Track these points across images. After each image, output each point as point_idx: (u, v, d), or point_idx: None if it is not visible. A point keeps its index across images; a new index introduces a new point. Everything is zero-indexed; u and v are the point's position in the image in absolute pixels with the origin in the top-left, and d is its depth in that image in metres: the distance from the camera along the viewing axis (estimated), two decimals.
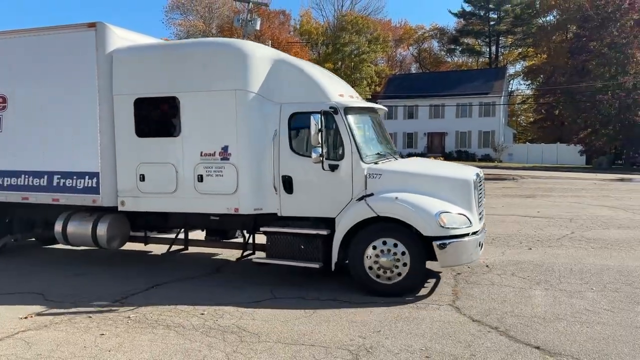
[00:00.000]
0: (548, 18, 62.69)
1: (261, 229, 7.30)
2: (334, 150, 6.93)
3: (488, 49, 71.49)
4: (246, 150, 7.13)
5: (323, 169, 6.80)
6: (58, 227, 8.23)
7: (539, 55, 63.32)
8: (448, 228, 6.42)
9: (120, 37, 7.86)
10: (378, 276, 6.64)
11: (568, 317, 5.81)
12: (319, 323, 5.71)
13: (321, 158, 6.69)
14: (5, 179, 8.44)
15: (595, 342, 5.09)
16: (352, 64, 60.03)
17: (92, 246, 8.25)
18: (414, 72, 75.02)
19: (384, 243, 6.59)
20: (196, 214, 7.57)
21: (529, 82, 68.38)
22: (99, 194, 7.80)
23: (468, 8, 67.95)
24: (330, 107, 6.90)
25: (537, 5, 61.59)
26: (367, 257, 6.64)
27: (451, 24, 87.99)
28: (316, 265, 6.91)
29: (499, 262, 8.44)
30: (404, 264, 6.53)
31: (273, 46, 9.74)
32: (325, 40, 61.63)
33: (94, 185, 7.82)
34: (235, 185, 7.11)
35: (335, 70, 42.16)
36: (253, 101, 7.11)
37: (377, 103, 10.71)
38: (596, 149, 42.99)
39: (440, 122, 54.58)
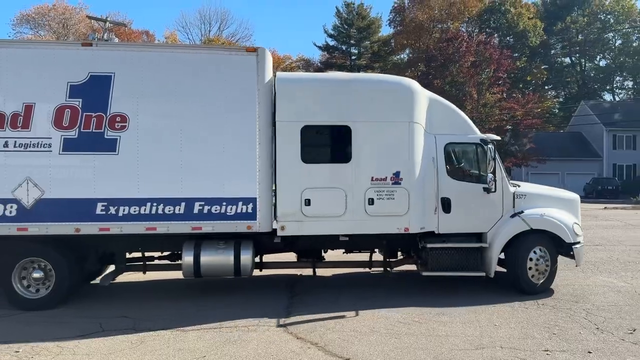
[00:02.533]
0: (402, 56, 68.27)
1: (428, 245, 8.03)
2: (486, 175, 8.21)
3: None
4: (415, 176, 7.89)
5: (493, 192, 8.09)
6: (188, 258, 7.58)
7: None
8: (578, 235, 8.28)
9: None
10: (533, 277, 8.12)
11: (382, 329, 6.41)
12: (144, 353, 5.66)
13: (494, 183, 8.04)
14: (122, 207, 7.24)
15: (399, 351, 5.70)
16: None
17: (229, 275, 7.85)
18: None
19: (539, 251, 8.15)
20: (326, 235, 7.91)
21: None
22: (255, 219, 7.48)
23: (332, 42, 71.51)
24: (482, 140, 8.25)
25: (392, 44, 66.72)
26: (529, 262, 8.11)
27: (316, 56, 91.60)
28: (482, 274, 8.13)
29: (334, 279, 9.00)
30: (548, 267, 8.16)
31: None
32: None
33: (250, 211, 7.47)
34: (406, 207, 7.80)
35: None
36: (419, 132, 7.98)
37: None
38: None
39: None
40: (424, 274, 8.14)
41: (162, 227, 7.37)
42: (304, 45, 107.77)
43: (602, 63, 64.30)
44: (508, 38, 57.07)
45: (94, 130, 7.20)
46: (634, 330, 6.29)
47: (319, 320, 6.76)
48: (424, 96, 8.21)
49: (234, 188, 7.46)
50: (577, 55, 64.05)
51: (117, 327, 6.54)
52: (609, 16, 60.30)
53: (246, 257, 7.68)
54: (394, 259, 8.71)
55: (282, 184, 7.64)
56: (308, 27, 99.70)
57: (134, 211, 7.28)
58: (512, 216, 8.19)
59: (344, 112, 7.77)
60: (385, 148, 7.84)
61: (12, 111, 7.09)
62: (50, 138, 7.14)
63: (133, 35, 55.39)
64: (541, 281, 8.15)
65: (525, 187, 8.88)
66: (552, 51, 63.44)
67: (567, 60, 65.70)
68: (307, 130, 7.66)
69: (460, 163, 8.55)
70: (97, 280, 8.09)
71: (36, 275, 7.39)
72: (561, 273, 9.64)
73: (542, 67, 60.61)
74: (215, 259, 7.64)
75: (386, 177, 7.79)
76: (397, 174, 7.81)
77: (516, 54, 54.24)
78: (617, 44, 61.45)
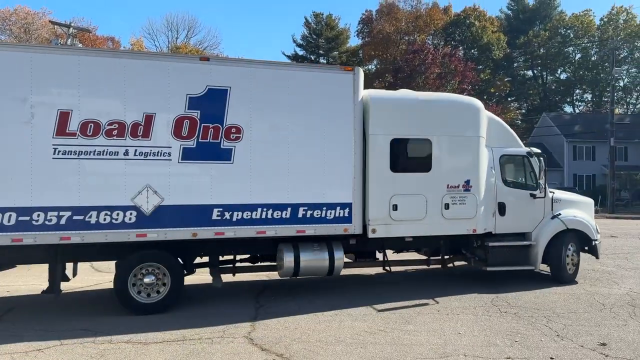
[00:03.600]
0: (370, 67, 69.07)
1: (490, 244, 9.29)
2: (533, 183, 9.73)
3: None
4: (481, 183, 9.18)
5: (540, 197, 9.61)
6: (289, 259, 8.16)
7: None
8: (598, 233, 10.10)
9: None
10: (570, 270, 9.73)
11: (347, 339, 6.40)
12: None
13: (543, 190, 9.61)
14: (235, 213, 7.73)
15: None
16: None
17: (322, 275, 8.54)
18: None
19: (572, 247, 9.75)
20: (394, 237, 8.84)
21: None
22: (351, 223, 8.31)
23: (300, 52, 71.82)
24: (527, 152, 9.83)
25: (361, 55, 67.43)
26: (566, 256, 9.70)
27: None
28: (533, 268, 9.65)
29: (299, 287, 8.98)
30: (577, 260, 9.82)
31: None
32: None
33: (346, 215, 8.27)
34: (475, 211, 9.06)
35: None
36: (483, 145, 9.27)
37: None
38: None
39: None
40: (489, 269, 9.33)
41: (271, 231, 7.96)
42: (272, 54, 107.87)
43: (563, 76, 66.44)
44: (472, 51, 58.40)
45: (211, 141, 7.62)
46: (605, 344, 6.43)
47: (284, 331, 6.72)
48: (485, 114, 9.44)
49: (332, 194, 8.25)
50: (539, 68, 66.00)
51: (77, 341, 6.33)
52: (569, 31, 62.37)
53: (339, 258, 8.44)
54: (447, 257, 9.81)
55: (374, 191, 8.49)
56: (277, 36, 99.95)
57: (247, 216, 7.79)
58: (552, 218, 9.73)
59: (426, 127, 8.82)
60: (458, 159, 9.06)
61: (132, 121, 7.29)
62: (170, 147, 7.44)
63: (98, 41, 54.38)
64: (572, 272, 9.78)
65: (557, 193, 10.23)
66: (515, 64, 65.20)
67: (529, 73, 67.61)
68: (395, 142, 8.61)
69: (512, 172, 9.95)
70: (211, 281, 8.40)
71: (147, 280, 7.56)
72: (522, 281, 9.86)
73: (505, 79, 62.22)
74: (313, 259, 8.30)
75: (459, 185, 8.96)
76: (467, 182, 9.01)
77: (480, 67, 55.62)
78: (576, 58, 63.58)
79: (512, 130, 10.18)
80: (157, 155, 7.40)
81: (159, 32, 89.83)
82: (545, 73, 66.82)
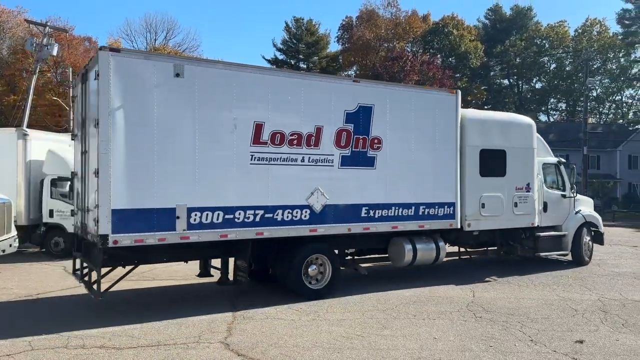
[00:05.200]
0: (350, 72, 69.35)
1: (541, 234, 11.80)
2: (561, 185, 12.60)
3: None
4: (535, 186, 11.64)
5: (571, 197, 12.56)
6: (409, 249, 9.78)
7: None
8: (602, 227, 13.23)
9: None
10: (586, 256, 12.78)
11: (324, 344, 6.39)
12: None
13: (575, 192, 12.63)
14: (377, 211, 9.26)
15: None
16: None
17: (430, 264, 10.26)
18: None
19: (587, 236, 12.74)
20: (467, 232, 10.61)
21: None
22: (454, 219, 10.23)
23: (281, 57, 71.71)
24: (558, 161, 12.67)
25: (340, 60, 67.71)
26: (583, 245, 12.64)
27: None
28: (567, 252, 12.44)
29: (276, 292, 8.95)
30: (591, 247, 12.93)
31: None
32: None
33: (451, 212, 10.17)
34: (533, 208, 11.54)
35: None
36: (535, 155, 11.74)
37: None
38: None
39: None
40: (542, 254, 12.08)
41: (401, 226, 9.61)
42: (253, 58, 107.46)
43: (538, 85, 67.68)
44: (450, 59, 59.08)
45: (360, 150, 9.14)
46: (582, 342, 6.60)
47: (261, 336, 6.68)
48: (535, 130, 11.82)
49: (442, 195, 10.05)
50: (515, 77, 67.12)
51: (48, 346, 6.21)
52: (544, 41, 63.63)
53: (443, 247, 10.26)
54: (483, 249, 11.87)
55: (468, 192, 10.53)
56: (257, 40, 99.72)
57: (384, 214, 9.36)
58: (576, 213, 12.60)
59: (502, 140, 11.13)
60: (522, 165, 11.36)
61: (307, 132, 8.62)
62: (333, 155, 8.86)
63: (75, 41, 53.39)
64: (588, 256, 12.83)
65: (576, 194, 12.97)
66: (492, 73, 66.19)
67: (506, 81, 68.70)
68: (482, 152, 10.80)
69: (548, 177, 12.45)
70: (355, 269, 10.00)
71: (310, 269, 8.82)
72: (498, 286, 9.97)
73: (482, 87, 63.05)
74: (426, 250, 10.01)
75: (523, 187, 11.34)
76: (528, 185, 11.42)
77: (458, 75, 56.27)
78: (551, 68, 64.87)
79: (545, 143, 12.68)
80: (324, 162, 8.76)
81: (138, 34, 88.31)
82: (521, 82, 67.97)
